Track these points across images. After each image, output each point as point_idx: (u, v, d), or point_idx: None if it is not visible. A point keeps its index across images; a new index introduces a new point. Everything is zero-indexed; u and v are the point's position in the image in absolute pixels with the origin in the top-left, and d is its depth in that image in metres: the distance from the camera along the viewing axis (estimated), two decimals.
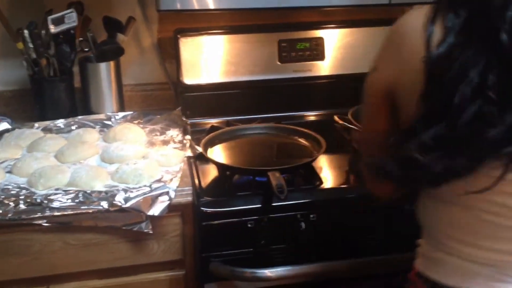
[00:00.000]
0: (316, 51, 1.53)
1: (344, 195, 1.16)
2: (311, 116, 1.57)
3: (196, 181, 1.17)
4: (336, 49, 1.55)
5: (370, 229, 1.17)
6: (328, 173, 1.26)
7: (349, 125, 1.25)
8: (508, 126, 0.63)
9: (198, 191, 1.13)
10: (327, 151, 1.23)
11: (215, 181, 1.20)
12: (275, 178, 1.06)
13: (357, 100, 1.41)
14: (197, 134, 1.39)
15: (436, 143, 0.66)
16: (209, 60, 1.50)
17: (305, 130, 1.32)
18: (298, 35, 1.54)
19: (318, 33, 1.54)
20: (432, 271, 0.79)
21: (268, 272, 1.09)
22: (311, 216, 1.12)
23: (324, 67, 1.55)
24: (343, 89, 1.56)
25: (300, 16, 1.60)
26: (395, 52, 0.75)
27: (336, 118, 1.28)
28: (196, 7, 1.38)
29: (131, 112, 1.46)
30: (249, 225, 1.10)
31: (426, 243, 0.83)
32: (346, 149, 1.32)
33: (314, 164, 1.22)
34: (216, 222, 1.09)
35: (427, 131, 0.66)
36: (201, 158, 1.24)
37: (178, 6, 1.36)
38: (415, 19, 0.71)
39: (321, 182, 1.19)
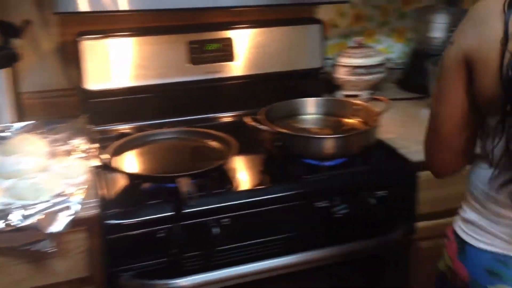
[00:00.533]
0: (226, 52, 1.51)
1: (257, 197, 1.14)
2: (224, 117, 1.55)
3: (103, 192, 1.11)
4: (247, 49, 1.54)
5: (285, 228, 1.16)
6: (241, 175, 1.25)
7: (260, 126, 1.23)
8: None
9: (104, 203, 1.07)
10: (240, 153, 1.21)
11: (123, 191, 1.15)
12: (185, 184, 1.03)
13: (269, 100, 1.43)
14: (105, 141, 1.32)
15: None
16: (116, 63, 1.44)
17: (216, 133, 1.30)
18: (208, 36, 1.51)
19: (227, 33, 1.53)
20: (464, 233, 0.91)
21: (181, 282, 1.05)
22: (224, 220, 1.09)
23: (235, 68, 1.54)
24: (255, 89, 1.56)
25: (209, 16, 1.57)
26: (473, 27, 0.81)
27: (246, 119, 1.27)
28: (97, 9, 1.32)
29: (31, 122, 1.36)
30: (160, 235, 1.05)
31: (467, 207, 0.93)
32: (259, 149, 1.31)
33: (226, 167, 1.19)
34: (123, 234, 1.03)
35: None
36: (109, 168, 1.18)
37: (77, 8, 1.29)
38: (495, 3, 0.78)
39: (234, 185, 1.18)
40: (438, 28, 1.74)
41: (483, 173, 0.89)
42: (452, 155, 0.92)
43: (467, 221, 0.92)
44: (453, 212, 1.36)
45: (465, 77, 0.83)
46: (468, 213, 0.92)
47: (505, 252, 0.85)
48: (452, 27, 1.72)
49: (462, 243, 0.91)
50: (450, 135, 0.89)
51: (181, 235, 1.07)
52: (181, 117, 1.50)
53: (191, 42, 1.49)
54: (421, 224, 1.32)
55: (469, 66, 0.82)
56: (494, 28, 0.77)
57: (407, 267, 1.34)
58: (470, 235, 0.90)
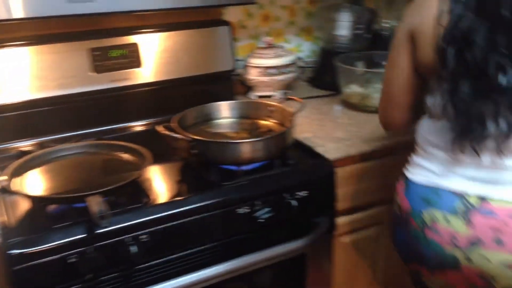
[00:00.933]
0: (132, 58, 1.44)
1: (176, 209, 1.08)
2: (135, 127, 1.48)
3: (3, 219, 1.01)
4: (154, 54, 1.48)
5: (208, 239, 1.12)
6: (157, 187, 1.19)
7: (173, 134, 1.18)
8: None
9: (5, 231, 0.97)
10: (154, 164, 1.16)
11: (26, 216, 1.05)
12: (95, 203, 0.95)
13: (181, 106, 1.37)
14: (3, 162, 1.21)
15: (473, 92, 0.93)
16: (11, 75, 1.32)
17: (128, 144, 1.22)
18: (111, 42, 1.43)
19: (132, 38, 1.45)
20: (408, 172, 1.09)
21: None
22: (142, 237, 1.03)
23: (142, 75, 1.47)
24: (166, 96, 1.50)
25: (112, 21, 1.48)
26: (416, 8, 1.03)
27: (159, 128, 1.21)
28: None
29: None
30: (72, 260, 0.97)
31: (413, 153, 1.11)
32: (175, 159, 1.26)
33: (140, 180, 1.13)
34: (30, 263, 0.94)
35: (463, 85, 0.94)
36: (8, 191, 1.07)
37: None
38: None
39: (150, 199, 1.11)
40: (343, 26, 1.78)
41: (424, 123, 1.09)
42: (399, 111, 1.13)
43: (411, 163, 1.11)
44: (370, 205, 1.41)
45: (410, 48, 1.04)
46: (413, 157, 1.11)
47: (437, 183, 1.03)
48: (357, 24, 1.77)
49: (406, 180, 1.09)
50: (398, 94, 1.11)
51: (95, 258, 0.99)
52: (87, 130, 1.41)
53: (93, 49, 1.40)
54: (341, 219, 1.34)
55: (413, 39, 1.02)
56: (431, 8, 0.97)
57: (331, 263, 1.35)
58: (412, 172, 1.08)
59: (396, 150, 1.36)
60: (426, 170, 1.06)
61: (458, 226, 0.99)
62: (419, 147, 1.10)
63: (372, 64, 1.67)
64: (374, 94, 1.53)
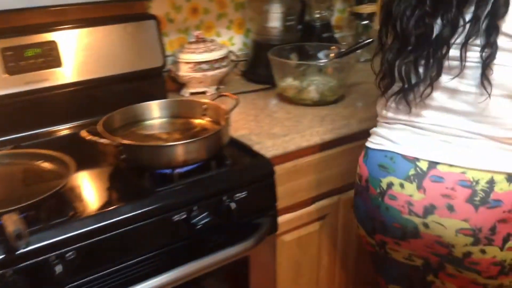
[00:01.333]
0: (50, 57, 1.32)
1: (106, 220, 1.00)
2: (57, 132, 1.36)
3: None
4: (75, 52, 1.36)
5: (144, 250, 1.05)
6: (84, 198, 1.10)
7: (99, 140, 1.09)
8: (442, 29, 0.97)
9: None
10: (80, 172, 1.07)
11: None
12: (11, 222, 0.85)
13: (108, 107, 1.28)
14: None
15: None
16: None
17: (47, 152, 1.11)
18: (25, 41, 1.30)
19: (50, 36, 1.33)
20: (368, 141, 1.13)
21: None
22: (69, 254, 0.94)
23: (63, 75, 1.35)
24: (91, 96, 1.39)
25: (26, 18, 1.35)
26: None
27: (83, 133, 1.11)
28: None
29: None
30: None
31: (375, 126, 1.14)
32: (103, 165, 1.17)
33: (64, 190, 1.03)
34: None
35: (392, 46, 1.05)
36: None
37: None
38: None
39: (77, 211, 1.02)
40: (274, 17, 1.74)
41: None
42: None
43: (371, 133, 1.14)
44: (312, 200, 1.38)
45: None
46: (373, 128, 1.14)
47: (392, 150, 1.05)
48: (288, 16, 1.73)
49: (366, 149, 1.12)
50: None
51: (16, 281, 0.89)
52: (2, 137, 1.28)
53: (4, 49, 1.26)
54: (282, 218, 1.31)
55: None
56: None
57: (274, 263, 1.32)
58: (370, 141, 1.12)
59: (335, 144, 1.34)
60: (381, 137, 1.09)
61: (412, 191, 1.01)
62: (378, 115, 1.14)
63: (305, 55, 1.64)
64: (310, 87, 1.50)
